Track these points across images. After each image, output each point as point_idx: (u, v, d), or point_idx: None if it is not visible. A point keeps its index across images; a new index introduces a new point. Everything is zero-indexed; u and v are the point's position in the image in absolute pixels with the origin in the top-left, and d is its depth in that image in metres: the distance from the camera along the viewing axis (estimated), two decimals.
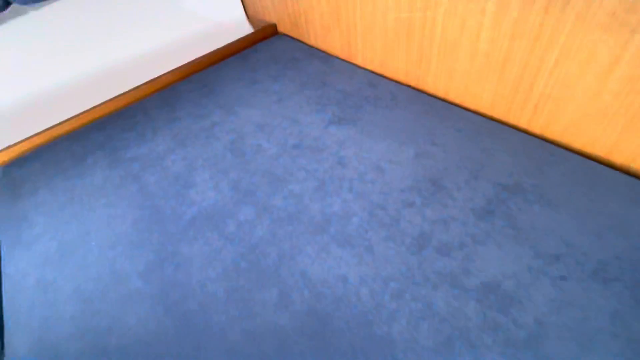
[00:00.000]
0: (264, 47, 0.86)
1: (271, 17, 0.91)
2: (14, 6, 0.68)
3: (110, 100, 0.75)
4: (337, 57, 0.77)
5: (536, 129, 0.53)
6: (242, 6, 0.97)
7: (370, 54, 0.70)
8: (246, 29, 0.93)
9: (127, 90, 0.76)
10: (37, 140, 0.69)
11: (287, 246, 0.46)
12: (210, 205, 0.53)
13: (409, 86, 0.67)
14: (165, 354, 0.38)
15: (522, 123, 0.54)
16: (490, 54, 0.52)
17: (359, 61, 0.74)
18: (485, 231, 0.43)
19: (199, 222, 0.51)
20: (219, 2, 0.96)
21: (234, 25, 0.95)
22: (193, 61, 0.83)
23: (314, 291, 0.41)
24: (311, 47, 0.83)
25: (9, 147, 0.67)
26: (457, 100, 0.61)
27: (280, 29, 0.91)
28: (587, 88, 0.45)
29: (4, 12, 0.62)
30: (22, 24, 0.78)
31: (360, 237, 0.46)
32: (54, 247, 0.51)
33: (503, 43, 0.49)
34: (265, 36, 0.90)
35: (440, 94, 0.63)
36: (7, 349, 0.42)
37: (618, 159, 0.47)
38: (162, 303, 0.43)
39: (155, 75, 0.79)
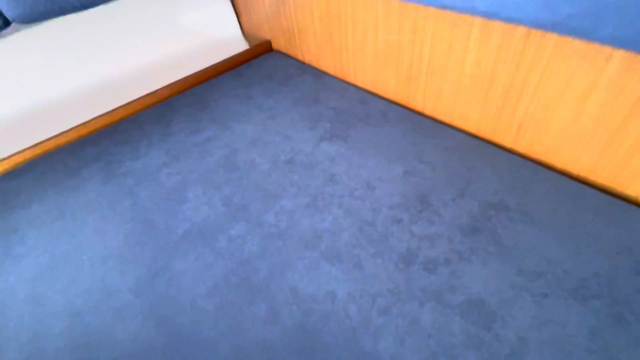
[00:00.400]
0: (258, 64, 0.88)
1: (266, 34, 0.93)
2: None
3: (106, 114, 0.76)
4: (329, 75, 0.79)
5: (521, 148, 0.55)
6: (238, 23, 0.99)
7: (361, 73, 0.73)
8: (242, 45, 0.95)
9: (122, 104, 0.78)
10: (32, 153, 0.70)
11: (277, 261, 0.47)
12: (202, 220, 0.53)
13: (398, 104, 0.68)
14: None
15: (507, 142, 0.56)
16: (476, 76, 0.54)
17: (350, 79, 0.76)
18: (471, 248, 0.45)
19: (191, 237, 0.51)
20: (216, 19, 0.98)
21: (230, 42, 0.97)
22: (189, 76, 0.85)
23: (303, 306, 0.42)
24: (305, 64, 0.85)
25: (3, 159, 0.68)
26: (445, 119, 0.63)
27: (275, 45, 0.93)
28: (566, 111, 0.47)
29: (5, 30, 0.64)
30: (19, 38, 0.79)
31: (349, 253, 0.46)
32: (45, 261, 0.51)
33: (487, 66, 0.52)
34: (260, 53, 0.92)
35: (429, 112, 0.65)
36: None
37: (598, 178, 0.49)
38: (153, 318, 0.43)
39: (151, 90, 0.81)
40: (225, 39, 0.97)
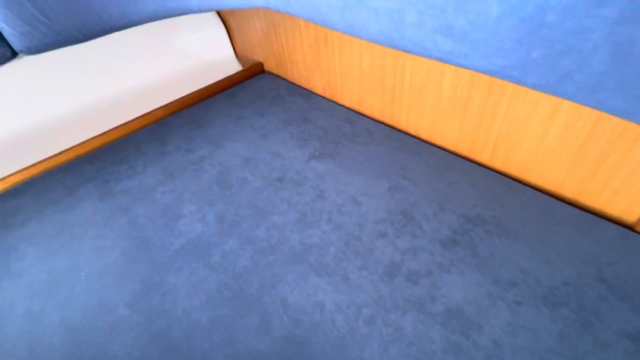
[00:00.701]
0: (251, 85, 0.92)
1: (258, 56, 0.98)
2: None
3: (103, 134, 0.78)
4: (318, 95, 0.83)
5: (496, 164, 0.59)
6: (231, 45, 1.03)
7: (348, 94, 0.77)
8: (235, 67, 0.99)
9: (119, 124, 0.80)
10: (30, 172, 0.72)
11: (268, 275, 0.49)
12: (196, 236, 0.56)
13: (384, 123, 0.72)
14: None
15: (484, 159, 0.60)
16: (453, 99, 0.58)
17: (338, 100, 0.80)
18: (450, 260, 0.48)
19: (186, 252, 0.53)
20: (210, 42, 1.02)
21: (224, 63, 1.01)
22: (184, 97, 0.88)
23: (292, 317, 0.44)
24: (295, 85, 0.89)
25: (2, 178, 0.70)
26: (427, 138, 0.67)
27: (267, 67, 0.98)
28: (535, 131, 0.51)
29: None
30: (17, 59, 0.82)
31: (336, 266, 0.49)
32: (43, 278, 0.53)
33: (463, 90, 0.56)
34: (252, 74, 0.96)
35: (412, 131, 0.69)
36: None
37: (567, 193, 0.53)
38: (148, 331, 0.45)
39: (147, 111, 0.84)
40: (219, 61, 1.01)
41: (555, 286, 0.43)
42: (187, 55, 1.02)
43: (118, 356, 0.43)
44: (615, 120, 0.43)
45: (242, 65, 1.00)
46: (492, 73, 0.29)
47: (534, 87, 0.28)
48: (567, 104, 0.46)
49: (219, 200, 0.61)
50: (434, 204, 0.55)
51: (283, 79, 0.93)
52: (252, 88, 0.91)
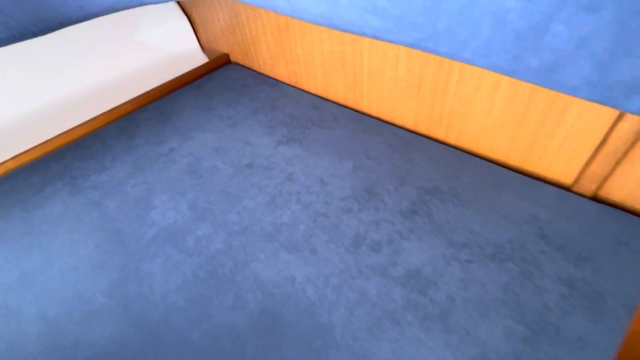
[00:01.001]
0: (217, 76, 0.93)
1: (223, 47, 0.98)
2: None
3: (69, 131, 0.78)
4: (284, 83, 0.85)
5: (451, 140, 0.63)
6: (195, 37, 1.03)
7: (313, 80, 0.79)
8: (201, 59, 1.00)
9: (85, 121, 0.80)
10: None
11: (241, 255, 0.52)
12: (170, 224, 0.57)
13: (347, 107, 0.75)
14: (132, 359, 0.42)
15: (440, 136, 0.64)
16: (408, 80, 0.61)
17: (304, 87, 0.82)
18: (410, 228, 0.52)
19: (159, 240, 0.55)
20: (173, 35, 1.02)
21: (189, 56, 1.01)
22: (150, 91, 0.88)
23: (265, 292, 0.47)
24: (261, 74, 0.90)
25: None
26: (388, 118, 0.70)
27: (233, 58, 0.98)
28: (481, 106, 0.55)
29: None
30: None
31: (305, 242, 0.52)
32: (16, 275, 0.53)
33: (416, 70, 0.59)
34: (218, 65, 0.97)
35: (374, 113, 0.72)
36: None
37: (512, 161, 0.58)
38: (126, 316, 0.47)
39: (113, 106, 0.83)
40: (184, 54, 1.01)
41: (502, 244, 0.48)
42: (152, 49, 1.01)
43: (98, 342, 0.45)
44: (547, 92, 0.47)
45: (208, 57, 1.00)
46: (414, 46, 0.32)
47: (446, 56, 0.31)
48: (505, 78, 0.50)
49: (191, 189, 0.63)
50: (395, 179, 0.59)
51: (249, 69, 0.94)
52: (219, 79, 0.91)
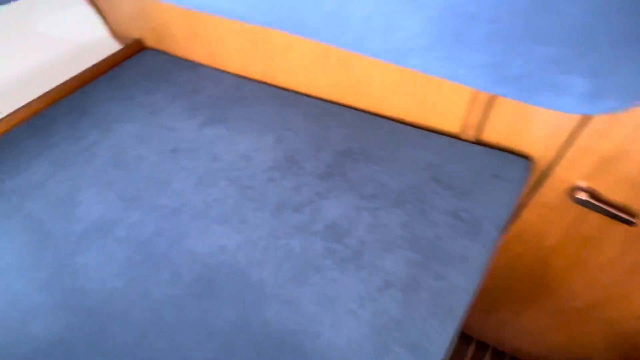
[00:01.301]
0: (132, 63, 0.90)
1: (135, 32, 0.95)
2: None
3: None
4: (203, 65, 0.86)
5: (361, 105, 0.69)
6: (103, 25, 0.98)
7: (231, 60, 0.80)
8: (112, 47, 0.95)
9: None
10: None
11: (174, 235, 0.55)
12: (99, 217, 0.58)
13: (266, 84, 0.78)
14: (76, 344, 0.45)
15: (351, 102, 0.70)
16: (315, 51, 0.66)
17: (222, 67, 0.83)
18: (327, 188, 0.58)
19: (90, 233, 0.56)
20: (78, 22, 0.96)
21: (98, 44, 0.96)
22: (61, 84, 0.84)
23: (200, 263, 0.51)
24: (178, 58, 0.90)
25: None
26: (303, 90, 0.74)
27: (147, 43, 0.95)
28: (381, 70, 0.61)
29: None
30: None
31: (235, 214, 0.56)
32: None
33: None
34: (132, 52, 0.94)
35: (290, 87, 0.76)
36: None
37: (411, 118, 0.65)
38: (65, 307, 0.48)
39: (22, 104, 0.79)
40: (92, 43, 0.96)
41: (403, 191, 0.56)
42: (55, 40, 0.94)
43: (39, 335, 0.46)
44: None
45: (120, 45, 0.96)
46: (266, 24, 0.36)
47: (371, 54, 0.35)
48: None
49: (118, 180, 0.63)
50: (313, 146, 0.64)
51: (165, 53, 0.92)
52: (134, 67, 0.89)
